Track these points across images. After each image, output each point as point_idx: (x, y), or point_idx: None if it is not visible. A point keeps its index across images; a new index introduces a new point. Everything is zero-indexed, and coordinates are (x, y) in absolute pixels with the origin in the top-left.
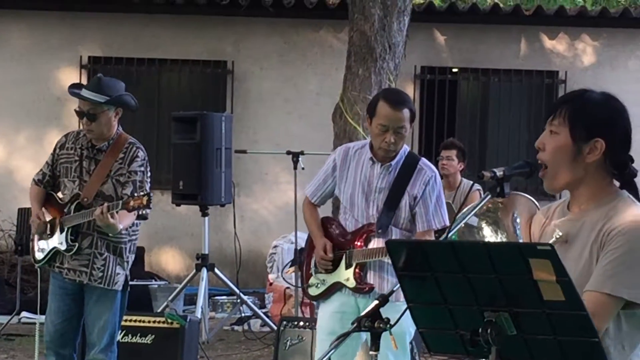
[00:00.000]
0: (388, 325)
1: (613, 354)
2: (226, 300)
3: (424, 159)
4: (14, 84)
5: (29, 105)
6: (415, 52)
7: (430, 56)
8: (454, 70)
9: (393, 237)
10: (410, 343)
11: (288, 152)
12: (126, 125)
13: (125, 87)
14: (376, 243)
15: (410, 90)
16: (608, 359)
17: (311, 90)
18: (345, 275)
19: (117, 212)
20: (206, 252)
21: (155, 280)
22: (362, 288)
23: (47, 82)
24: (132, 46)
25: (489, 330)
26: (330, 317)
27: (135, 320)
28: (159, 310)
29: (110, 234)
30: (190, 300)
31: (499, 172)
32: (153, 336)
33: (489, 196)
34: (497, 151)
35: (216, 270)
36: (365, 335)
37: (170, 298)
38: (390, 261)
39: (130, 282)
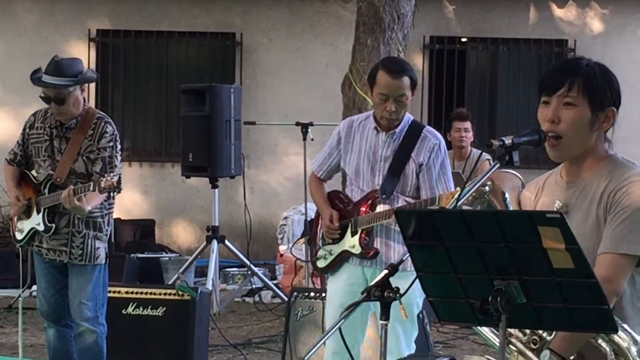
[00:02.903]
0: (398, 295)
1: (630, 314)
2: (237, 272)
3: (428, 127)
4: (22, 59)
5: None
6: (424, 22)
7: (438, 26)
8: (463, 39)
9: (399, 204)
10: (421, 313)
11: (297, 123)
12: (135, 99)
13: (82, 62)
14: (381, 209)
15: (419, 60)
16: (625, 319)
17: (320, 61)
18: (351, 242)
19: (84, 195)
20: (217, 224)
21: (166, 253)
22: (367, 253)
23: None
24: (140, 18)
25: (498, 299)
26: (340, 289)
27: (146, 293)
28: (170, 283)
29: (78, 215)
30: (201, 272)
31: (508, 141)
32: (164, 308)
33: (498, 165)
34: (507, 121)
35: (227, 242)
36: (374, 306)
37: (181, 270)
38: (397, 227)
39: (141, 255)
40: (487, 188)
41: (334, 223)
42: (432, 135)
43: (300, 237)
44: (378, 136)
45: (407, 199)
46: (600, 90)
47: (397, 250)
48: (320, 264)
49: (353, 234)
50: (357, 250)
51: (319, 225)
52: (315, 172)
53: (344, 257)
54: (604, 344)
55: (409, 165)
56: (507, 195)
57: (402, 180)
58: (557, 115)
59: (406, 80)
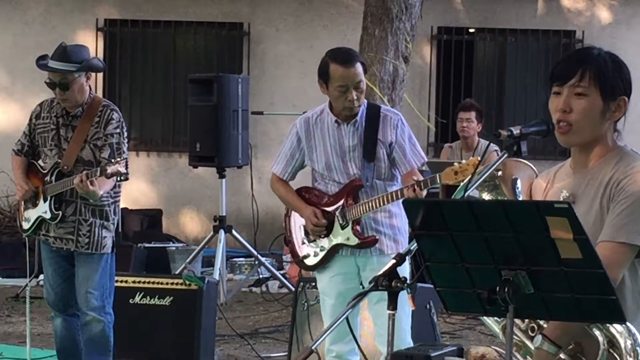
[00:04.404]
0: (405, 285)
1: (630, 303)
2: (244, 262)
3: (384, 106)
4: (30, 49)
5: None
6: (432, 13)
7: (446, 16)
8: (471, 30)
9: (379, 191)
10: (428, 303)
11: (305, 113)
12: (142, 88)
13: (88, 50)
14: (365, 197)
15: (427, 51)
16: (624, 309)
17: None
18: (345, 235)
19: (95, 178)
20: (224, 214)
21: (173, 243)
22: (366, 242)
23: None
24: (148, 8)
25: (506, 289)
26: (334, 280)
27: (153, 282)
28: (177, 272)
29: (92, 200)
30: (208, 262)
31: (516, 131)
32: (171, 298)
33: (506, 155)
34: (515, 111)
35: (234, 232)
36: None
37: (188, 260)
38: (383, 214)
39: (148, 245)
40: (499, 173)
41: (320, 220)
42: (391, 113)
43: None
44: (340, 128)
45: (384, 182)
46: (611, 79)
47: (387, 235)
48: (310, 261)
49: (343, 226)
50: (354, 241)
51: (294, 224)
52: (280, 175)
53: (334, 251)
54: (597, 333)
55: (379, 149)
56: (518, 183)
57: (376, 164)
58: (569, 105)
59: (359, 66)
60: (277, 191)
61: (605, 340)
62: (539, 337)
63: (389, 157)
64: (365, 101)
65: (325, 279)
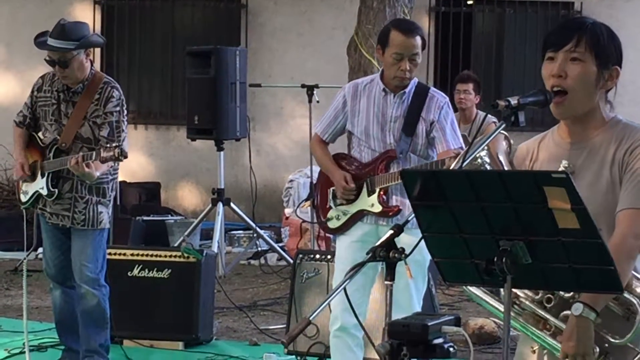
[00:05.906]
0: (403, 255)
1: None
2: (242, 235)
3: (433, 87)
4: (27, 22)
5: None
6: None
7: None
8: (469, 2)
9: (412, 164)
10: (427, 275)
11: (303, 86)
12: (140, 61)
13: (88, 27)
14: (397, 168)
15: (425, 23)
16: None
17: (325, 24)
18: (370, 201)
19: (91, 161)
20: (222, 187)
21: (172, 216)
22: (388, 211)
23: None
24: None
25: (504, 259)
26: (350, 246)
27: (152, 255)
28: (175, 245)
29: (88, 181)
30: (207, 234)
31: (514, 101)
32: (170, 270)
33: (504, 125)
34: (513, 83)
35: (232, 204)
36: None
37: (186, 233)
38: None
39: (147, 218)
40: (483, 153)
41: (349, 184)
42: (440, 95)
43: (305, 200)
44: (386, 97)
45: (419, 158)
46: (606, 47)
47: (410, 210)
48: (332, 224)
49: (370, 193)
50: (378, 208)
51: (326, 187)
52: (320, 135)
53: (357, 217)
54: (630, 297)
55: (420, 125)
56: (501, 158)
57: (413, 140)
58: (564, 70)
59: (418, 39)
60: (314, 152)
61: (638, 301)
62: (579, 305)
63: (427, 136)
64: (416, 79)
65: (344, 244)
